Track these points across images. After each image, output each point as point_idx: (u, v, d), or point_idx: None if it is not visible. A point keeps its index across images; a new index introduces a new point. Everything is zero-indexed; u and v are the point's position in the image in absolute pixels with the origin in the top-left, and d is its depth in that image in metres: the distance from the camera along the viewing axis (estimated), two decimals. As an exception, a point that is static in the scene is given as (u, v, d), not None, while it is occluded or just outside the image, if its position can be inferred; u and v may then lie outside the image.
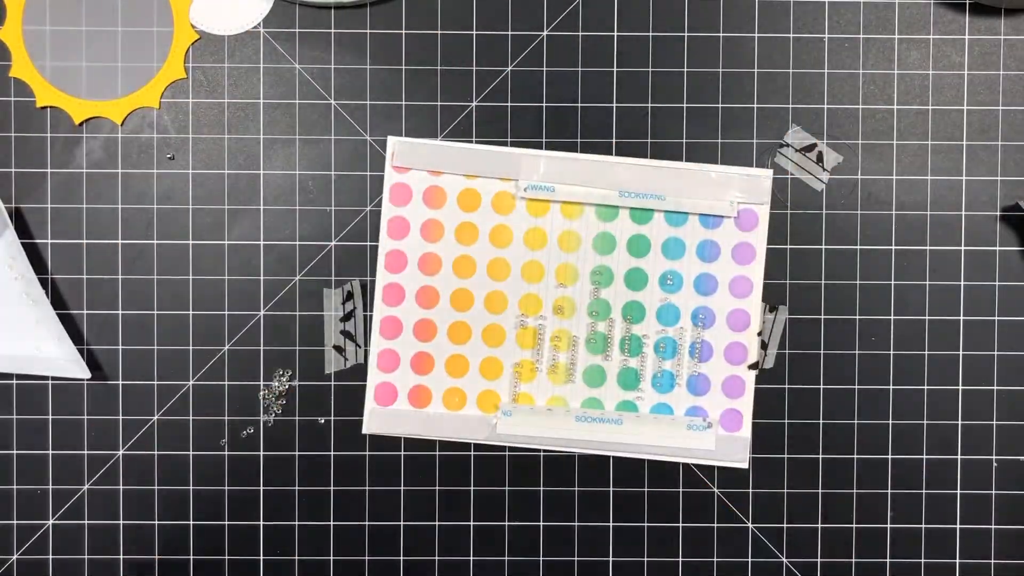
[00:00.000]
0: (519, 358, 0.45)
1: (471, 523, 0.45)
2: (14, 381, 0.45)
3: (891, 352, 0.45)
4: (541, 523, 0.45)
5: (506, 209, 0.45)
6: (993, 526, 0.44)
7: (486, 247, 0.45)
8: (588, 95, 0.45)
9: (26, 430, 0.45)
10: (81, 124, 0.45)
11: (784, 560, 0.45)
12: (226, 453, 0.45)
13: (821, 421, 0.45)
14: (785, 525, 0.45)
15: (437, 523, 0.45)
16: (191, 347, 0.45)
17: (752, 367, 0.45)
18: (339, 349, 0.45)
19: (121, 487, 0.45)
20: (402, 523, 0.45)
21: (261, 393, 0.45)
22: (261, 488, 0.45)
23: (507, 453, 0.45)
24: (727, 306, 0.45)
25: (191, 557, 0.45)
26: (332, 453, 0.45)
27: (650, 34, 0.45)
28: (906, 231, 0.45)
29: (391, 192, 0.44)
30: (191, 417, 0.45)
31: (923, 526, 0.45)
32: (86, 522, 0.45)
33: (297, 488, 0.45)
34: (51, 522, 0.45)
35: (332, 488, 0.45)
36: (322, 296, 0.45)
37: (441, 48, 0.45)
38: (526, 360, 0.45)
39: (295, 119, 0.45)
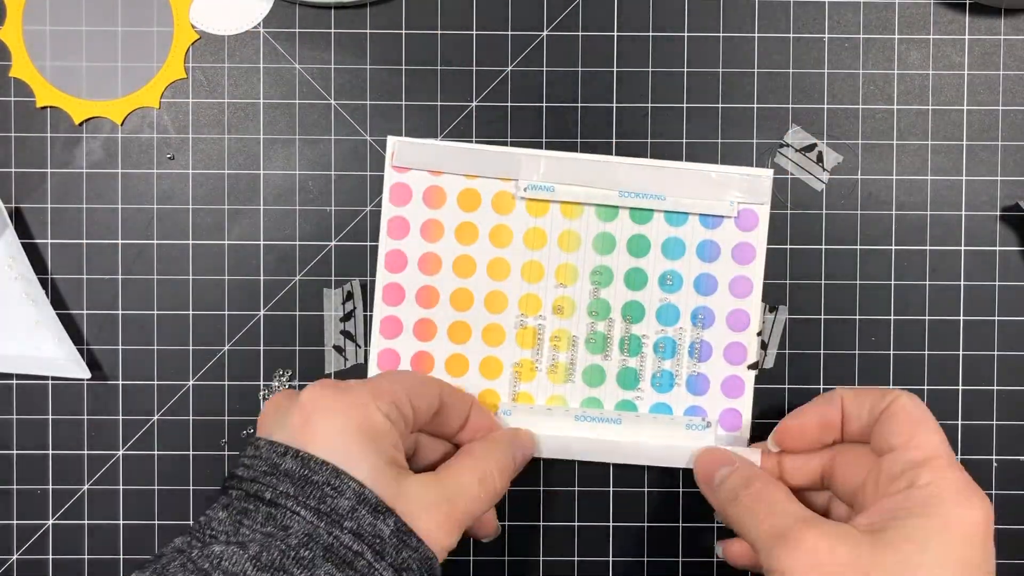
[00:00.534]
0: (519, 358, 0.45)
1: (471, 523, 0.45)
2: (14, 381, 0.45)
3: (891, 352, 0.45)
4: (541, 523, 0.45)
5: (506, 209, 0.45)
6: (993, 526, 0.44)
7: (486, 247, 0.45)
8: (588, 95, 0.45)
9: (26, 430, 0.45)
10: (81, 124, 0.45)
11: (784, 560, 0.45)
12: (226, 453, 0.45)
13: (821, 421, 0.45)
14: (785, 525, 0.45)
15: (437, 523, 0.45)
16: (191, 347, 0.45)
17: (752, 367, 0.45)
18: (339, 349, 0.45)
19: (121, 487, 0.45)
20: (402, 523, 0.45)
21: (261, 393, 0.45)
22: (261, 488, 0.45)
23: (507, 453, 0.45)
24: (727, 306, 0.45)
25: (191, 557, 0.45)
26: (332, 453, 0.45)
27: (650, 34, 0.45)
28: (906, 231, 0.45)
29: (391, 192, 0.44)
30: (191, 417, 0.45)
31: (923, 526, 0.45)
32: (86, 522, 0.45)
33: (297, 488, 0.45)
34: (51, 522, 0.45)
35: (332, 488, 0.45)
36: (322, 296, 0.45)
37: (441, 48, 0.45)
38: (526, 360, 0.45)
39: (295, 119, 0.45)
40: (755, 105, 0.45)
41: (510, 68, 0.45)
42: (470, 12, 0.45)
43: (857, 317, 0.45)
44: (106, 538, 0.45)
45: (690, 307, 0.45)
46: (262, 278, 0.45)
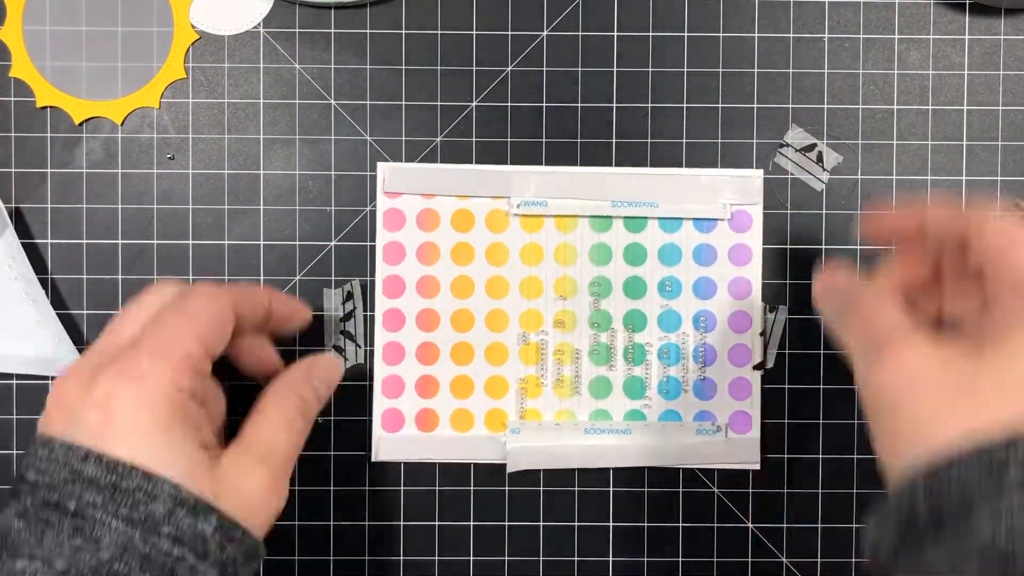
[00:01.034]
0: (524, 374, 0.45)
1: (471, 523, 0.45)
2: (14, 381, 0.45)
3: (891, 352, 0.45)
4: (541, 523, 0.45)
5: (500, 227, 0.45)
6: (993, 526, 0.44)
7: (483, 266, 0.45)
8: (588, 95, 0.45)
9: (26, 430, 0.45)
10: (81, 124, 0.45)
11: (784, 560, 0.45)
12: (226, 453, 0.45)
13: (821, 421, 0.45)
14: (785, 525, 0.45)
15: (437, 523, 0.45)
16: (191, 347, 0.45)
17: (757, 367, 0.45)
18: (339, 349, 0.45)
19: (121, 487, 0.45)
20: (402, 523, 0.45)
21: (261, 393, 0.45)
22: (261, 488, 0.45)
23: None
24: (727, 308, 0.45)
25: (191, 557, 0.45)
26: (332, 453, 0.45)
27: (650, 34, 0.45)
28: (906, 231, 0.45)
29: (384, 218, 0.44)
30: (191, 417, 0.45)
31: (923, 526, 0.45)
32: (86, 522, 0.45)
33: (297, 488, 0.45)
34: (51, 522, 0.45)
35: (332, 488, 0.45)
36: (322, 296, 0.45)
37: (441, 48, 0.45)
38: (531, 376, 0.45)
39: (295, 119, 0.45)
40: (755, 105, 0.45)
41: (510, 68, 0.45)
42: (470, 12, 0.45)
43: (857, 317, 0.45)
44: (106, 538, 0.45)
45: (691, 312, 0.45)
46: (262, 278, 0.45)
